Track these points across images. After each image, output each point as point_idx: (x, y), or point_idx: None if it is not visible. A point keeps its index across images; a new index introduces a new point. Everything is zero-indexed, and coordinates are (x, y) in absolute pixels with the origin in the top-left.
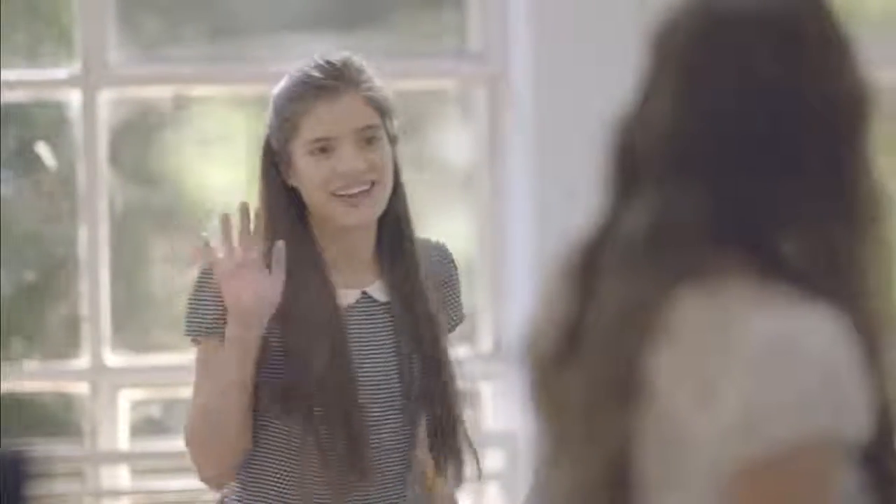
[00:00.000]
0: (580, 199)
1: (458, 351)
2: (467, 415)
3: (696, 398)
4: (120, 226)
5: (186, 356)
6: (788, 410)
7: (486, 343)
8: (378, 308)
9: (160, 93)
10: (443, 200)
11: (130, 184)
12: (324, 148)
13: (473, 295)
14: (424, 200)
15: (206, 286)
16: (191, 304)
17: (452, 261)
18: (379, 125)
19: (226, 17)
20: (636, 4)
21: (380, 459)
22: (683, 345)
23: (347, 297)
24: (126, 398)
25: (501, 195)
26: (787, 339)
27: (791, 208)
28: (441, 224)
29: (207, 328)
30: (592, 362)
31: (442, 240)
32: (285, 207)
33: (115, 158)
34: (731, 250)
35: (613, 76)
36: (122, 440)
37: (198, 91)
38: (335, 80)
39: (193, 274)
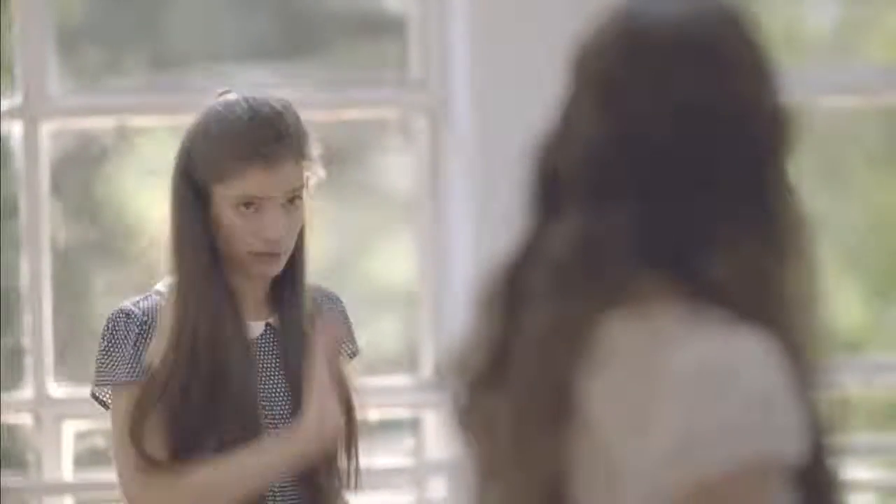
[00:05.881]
0: (518, 230)
1: (359, 381)
2: (363, 444)
3: (628, 425)
4: (62, 257)
5: None
6: (722, 436)
7: (427, 371)
8: (278, 339)
9: (101, 123)
10: (384, 229)
11: (72, 215)
12: (249, 204)
13: (414, 322)
14: (365, 229)
15: (120, 331)
16: (105, 351)
17: (342, 305)
18: (303, 182)
19: (166, 48)
20: (577, 33)
21: (280, 489)
22: (613, 371)
23: (254, 329)
24: (70, 429)
25: (442, 223)
26: (717, 365)
27: (710, 229)
28: (382, 252)
29: (128, 375)
30: (520, 387)
31: (332, 290)
32: (200, 237)
33: (56, 190)
34: (656, 272)
35: (554, 104)
36: (67, 471)
37: (139, 122)
38: (276, 144)
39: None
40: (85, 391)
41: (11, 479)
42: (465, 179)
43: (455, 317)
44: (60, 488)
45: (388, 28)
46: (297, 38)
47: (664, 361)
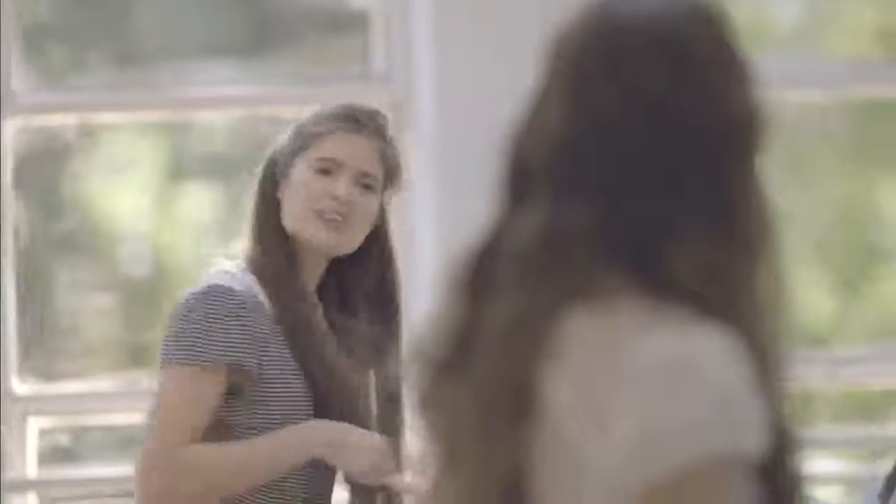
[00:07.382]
0: (484, 222)
1: None
2: None
3: (589, 421)
4: (26, 254)
5: (94, 383)
6: (683, 432)
7: None
8: None
9: (66, 120)
10: None
11: (36, 212)
12: (326, 170)
13: None
14: None
15: (231, 313)
16: (205, 327)
17: None
18: (378, 180)
19: (131, 44)
20: (540, 29)
21: None
22: (574, 365)
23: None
24: (34, 426)
25: (405, 217)
26: (678, 361)
27: (676, 225)
28: None
29: (218, 357)
30: (482, 378)
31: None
32: (276, 224)
33: (20, 186)
34: (619, 266)
35: (517, 100)
36: (31, 468)
37: (103, 118)
38: (363, 120)
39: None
40: (49, 388)
41: None
42: (428, 173)
43: (417, 314)
44: (24, 485)
45: (352, 24)
46: (262, 35)
47: (625, 357)
